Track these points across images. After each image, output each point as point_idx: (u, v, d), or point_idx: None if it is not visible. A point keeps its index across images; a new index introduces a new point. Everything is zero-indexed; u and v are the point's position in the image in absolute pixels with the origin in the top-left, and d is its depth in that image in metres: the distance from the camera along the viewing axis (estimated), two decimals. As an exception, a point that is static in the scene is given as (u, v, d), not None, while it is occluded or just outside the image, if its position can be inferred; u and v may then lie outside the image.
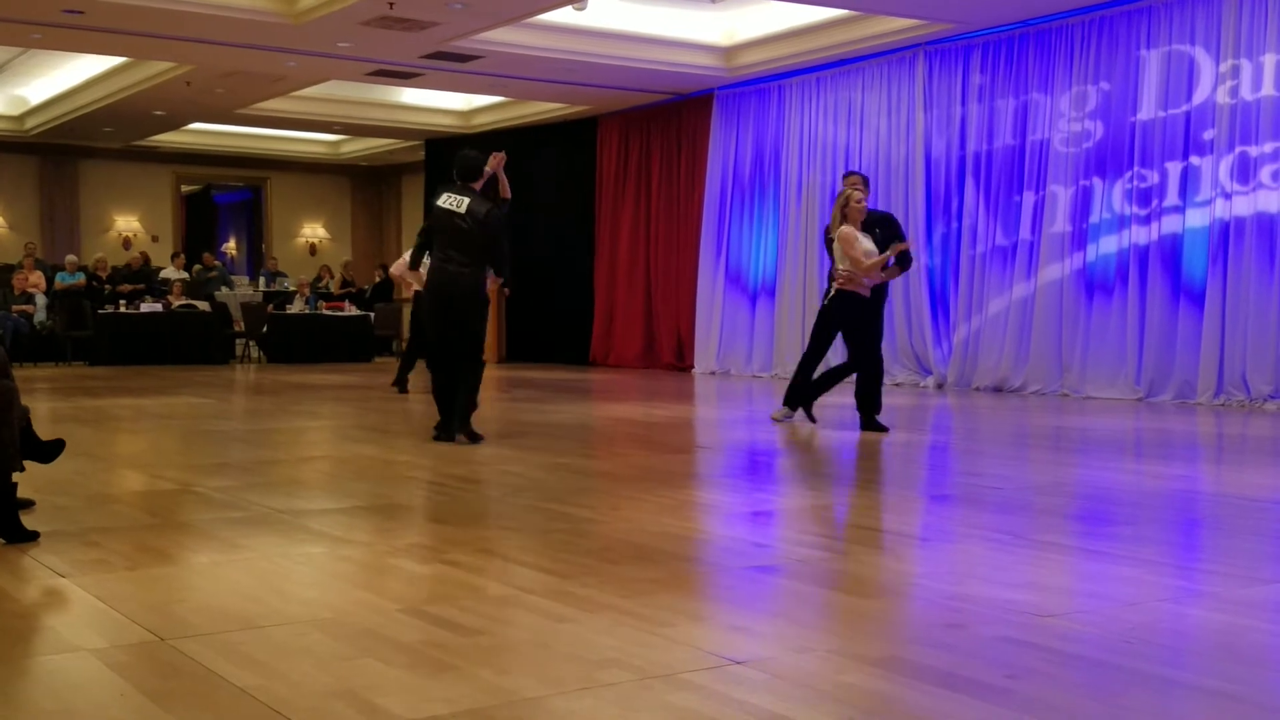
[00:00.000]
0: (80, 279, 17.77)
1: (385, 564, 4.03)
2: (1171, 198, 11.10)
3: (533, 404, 10.63)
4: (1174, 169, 11.09)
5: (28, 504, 4.79)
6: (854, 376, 8.40)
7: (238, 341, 18.34)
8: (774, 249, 15.13)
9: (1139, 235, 11.33)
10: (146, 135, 20.21)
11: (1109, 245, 11.59)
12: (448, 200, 7.33)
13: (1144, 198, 11.31)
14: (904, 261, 8.39)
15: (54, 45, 14.19)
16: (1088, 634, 3.13)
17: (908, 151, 13.36)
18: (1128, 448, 7.90)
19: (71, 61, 16.63)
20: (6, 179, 20.79)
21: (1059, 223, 11.96)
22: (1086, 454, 7.38)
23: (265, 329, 17.74)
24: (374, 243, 24.24)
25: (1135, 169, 11.37)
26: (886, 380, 10.11)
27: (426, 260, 7.82)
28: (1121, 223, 11.49)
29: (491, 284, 7.73)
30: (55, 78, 17.71)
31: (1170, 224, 11.12)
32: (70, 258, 18.37)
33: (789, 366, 14.72)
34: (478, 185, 7.40)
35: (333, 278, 20.88)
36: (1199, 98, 10.94)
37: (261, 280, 20.84)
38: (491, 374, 13.16)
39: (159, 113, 18.16)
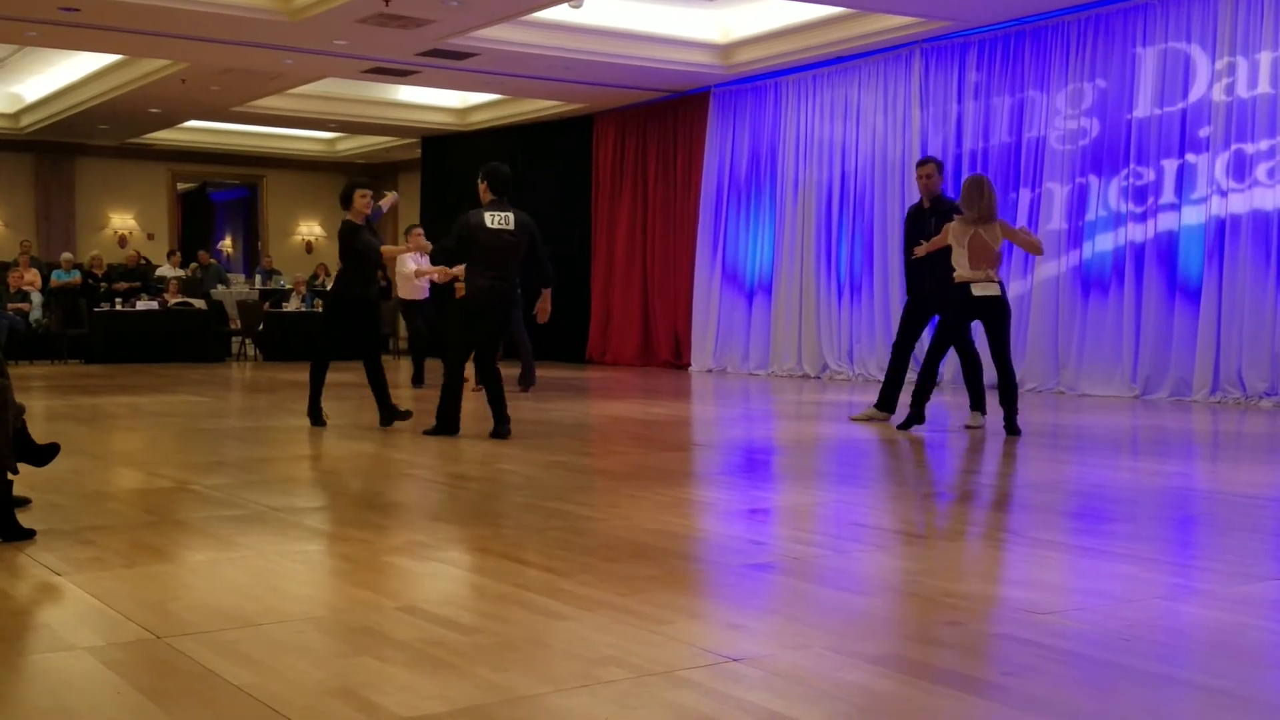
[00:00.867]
0: (76, 277, 17.75)
1: (382, 562, 4.03)
2: (1167, 195, 11.11)
3: (530, 402, 10.63)
4: (1170, 166, 11.10)
5: (24, 502, 4.78)
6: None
7: (234, 339, 18.32)
8: (770, 247, 15.13)
9: (1135, 233, 11.33)
10: (142, 133, 20.19)
11: (1105, 243, 11.60)
12: (494, 219, 7.60)
13: (1140, 195, 11.32)
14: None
15: (50, 43, 14.16)
16: (1084, 631, 3.13)
17: (904, 149, 13.36)
18: (1124, 445, 7.91)
19: (67, 59, 16.60)
20: (2, 177, 20.76)
21: (1055, 220, 11.97)
22: (1083, 451, 7.38)
23: (261, 327, 17.72)
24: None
25: (1131, 166, 11.38)
26: (882, 377, 10.12)
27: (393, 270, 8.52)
28: (1117, 220, 11.50)
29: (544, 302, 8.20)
30: (51, 75, 17.69)
31: (1166, 221, 11.13)
32: (66, 255, 18.35)
33: (785, 364, 14.77)
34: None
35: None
36: (1195, 95, 10.95)
37: (257, 278, 20.81)
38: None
39: (155, 110, 18.14)
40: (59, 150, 20.80)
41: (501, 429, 7.55)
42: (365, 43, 13.47)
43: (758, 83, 15.13)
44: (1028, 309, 12.16)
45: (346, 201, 8.77)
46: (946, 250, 8.10)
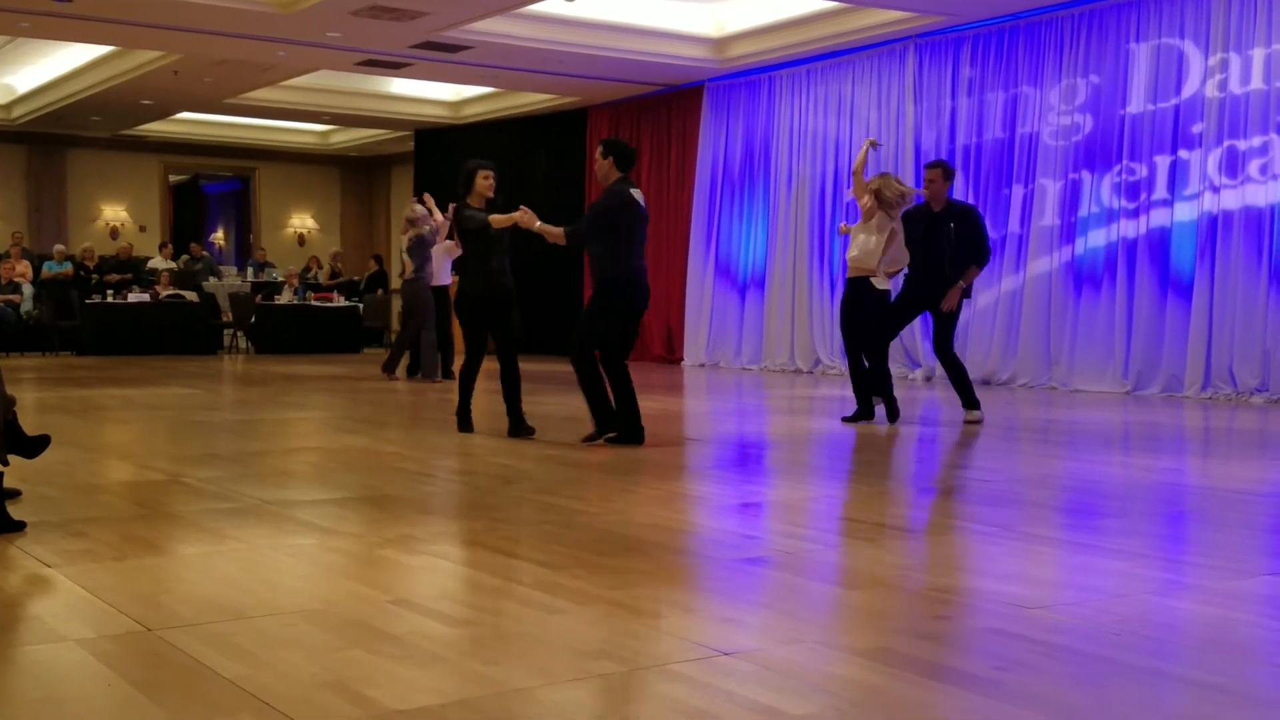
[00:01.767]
0: (67, 268, 17.71)
1: (374, 555, 4.03)
2: (1160, 191, 11.13)
3: (523, 396, 10.60)
4: (1162, 162, 11.12)
5: (14, 494, 4.77)
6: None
7: (225, 332, 18.29)
8: (763, 241, 15.13)
9: (1127, 229, 11.35)
10: (134, 125, 20.13)
11: (1097, 239, 11.62)
12: (637, 193, 7.07)
13: (1132, 191, 11.34)
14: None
15: (42, 34, 14.11)
16: (1075, 626, 3.14)
17: (898, 144, 13.37)
18: (1115, 441, 7.92)
19: (59, 50, 16.54)
20: (-7, 168, 20.71)
21: (1048, 216, 11.98)
22: (1074, 447, 7.40)
23: (253, 319, 17.70)
24: (363, 233, 24.19)
25: (1124, 162, 11.39)
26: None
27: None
28: (1110, 216, 11.52)
29: None
30: (43, 66, 17.63)
31: (1159, 217, 11.15)
32: (58, 247, 18.31)
33: (778, 359, 14.77)
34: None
35: (321, 268, 20.83)
36: (1188, 91, 10.97)
37: (250, 271, 20.78)
38: (483, 366, 13.16)
39: (147, 102, 18.09)
40: (51, 142, 20.73)
41: (636, 435, 6.99)
42: (358, 35, 13.44)
43: (751, 77, 15.12)
44: (1020, 304, 12.18)
45: (467, 183, 7.83)
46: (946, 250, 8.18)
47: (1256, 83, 10.47)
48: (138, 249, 20.12)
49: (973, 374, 12.41)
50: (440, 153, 19.86)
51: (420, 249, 12.01)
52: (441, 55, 14.41)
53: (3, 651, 2.95)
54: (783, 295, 14.72)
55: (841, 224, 9.19)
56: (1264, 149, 10.41)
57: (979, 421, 8.34)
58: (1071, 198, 11.83)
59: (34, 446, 4.72)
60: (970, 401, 8.44)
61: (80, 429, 7.64)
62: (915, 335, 13.10)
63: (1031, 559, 4.05)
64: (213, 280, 19.14)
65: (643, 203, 7.09)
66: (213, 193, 26.63)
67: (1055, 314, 11.88)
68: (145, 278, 18.31)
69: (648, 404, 10.11)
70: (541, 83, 16.12)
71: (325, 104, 18.64)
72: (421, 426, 8.27)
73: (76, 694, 2.60)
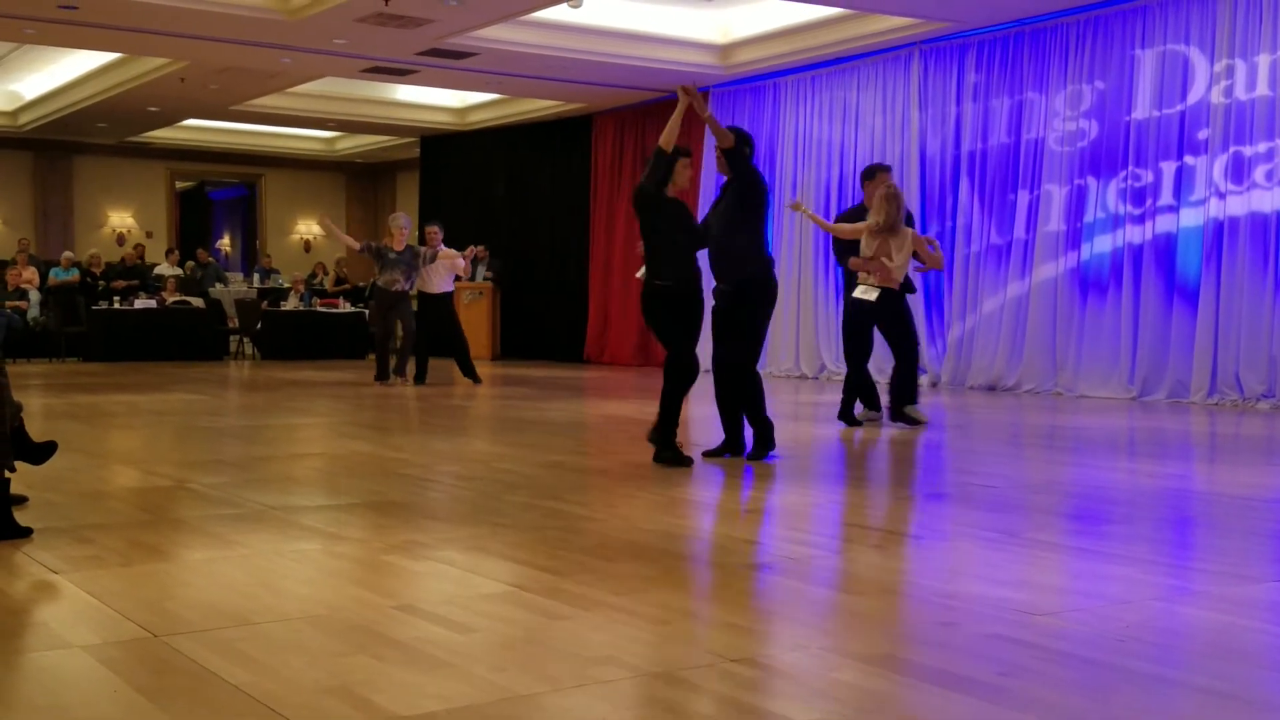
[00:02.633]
0: (74, 275, 17.74)
1: (379, 561, 4.03)
2: (1166, 197, 11.12)
3: (527, 401, 10.63)
4: (1168, 168, 11.11)
5: (21, 500, 4.78)
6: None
7: (232, 338, 18.32)
8: (768, 247, 15.10)
9: (1133, 234, 11.34)
10: (141, 131, 20.18)
11: (1103, 244, 11.61)
12: None
13: (1138, 197, 11.33)
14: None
15: (48, 41, 14.15)
16: (1080, 632, 3.13)
17: (902, 150, 13.37)
18: (1121, 447, 7.91)
19: (66, 57, 16.59)
20: (0, 175, 20.74)
21: (1053, 222, 11.97)
22: (1080, 453, 7.39)
23: (259, 325, 17.72)
24: (369, 239, 24.19)
25: (1130, 168, 11.38)
26: (879, 378, 10.15)
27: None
28: (1116, 222, 11.51)
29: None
30: (50, 73, 17.68)
31: (1164, 223, 11.14)
32: (65, 254, 18.34)
33: (782, 364, 14.77)
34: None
35: (327, 274, 20.85)
36: (1193, 97, 10.96)
37: (256, 277, 20.81)
38: (486, 371, 13.17)
39: (153, 109, 18.14)
40: (57, 148, 20.79)
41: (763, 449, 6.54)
42: (364, 42, 13.47)
43: (757, 83, 15.13)
44: (1025, 310, 12.17)
45: (664, 172, 6.73)
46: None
47: (1262, 89, 10.47)
48: (144, 254, 20.15)
49: (978, 379, 12.49)
50: (446, 159, 19.88)
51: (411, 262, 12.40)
52: (447, 62, 14.43)
53: (9, 658, 2.95)
54: (787, 301, 14.68)
55: (793, 201, 9.54)
56: (1270, 155, 10.40)
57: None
58: (1077, 203, 11.82)
59: (41, 453, 4.73)
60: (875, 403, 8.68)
61: (86, 435, 7.66)
62: (921, 341, 13.07)
63: (1037, 565, 4.04)
64: (219, 286, 19.17)
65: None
66: (219, 199, 26.70)
67: (1061, 320, 11.87)
68: (152, 284, 18.35)
69: (652, 410, 10.09)
70: (547, 89, 16.15)
71: (331, 111, 18.68)
72: (426, 432, 8.28)
73: (82, 700, 2.61)
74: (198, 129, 20.82)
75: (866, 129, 13.84)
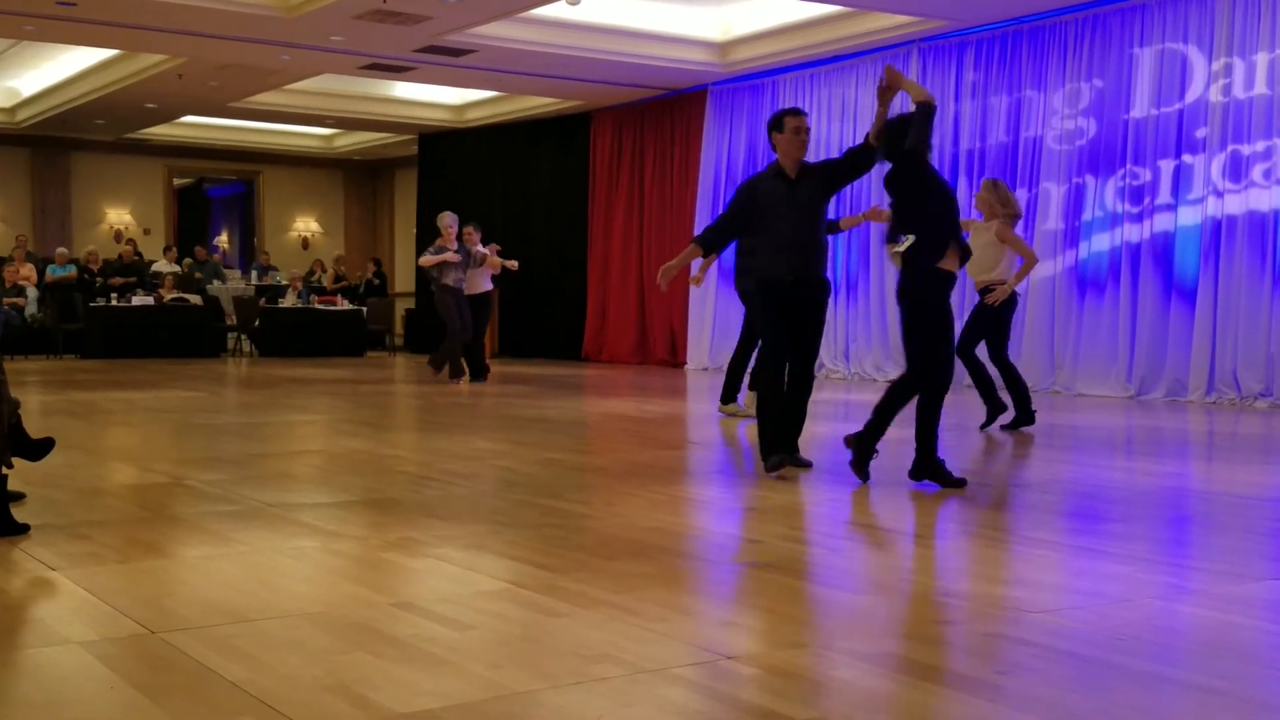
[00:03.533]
0: (71, 271, 17.73)
1: (377, 558, 4.03)
2: (1164, 196, 11.12)
3: (526, 399, 10.62)
4: (1166, 167, 11.11)
5: (18, 497, 4.78)
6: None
7: (229, 335, 18.31)
8: (767, 245, 15.11)
9: (1131, 233, 11.35)
10: (139, 128, 20.16)
11: (1101, 243, 11.61)
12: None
13: (1136, 195, 11.33)
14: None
15: (47, 37, 14.14)
16: (1079, 630, 3.14)
17: (901, 148, 13.35)
18: (1119, 445, 7.91)
19: (64, 54, 16.57)
20: (-2, 171, 20.74)
21: (1051, 220, 11.97)
22: (1078, 451, 7.39)
23: (257, 323, 17.71)
24: (367, 237, 24.20)
25: (1128, 167, 11.39)
26: (878, 376, 10.13)
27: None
28: (1114, 220, 11.51)
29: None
30: (47, 70, 17.66)
31: (1162, 222, 11.14)
32: (60, 250, 18.32)
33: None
34: (778, 154, 6.00)
35: (325, 271, 20.84)
36: (1191, 96, 10.96)
37: (254, 274, 20.80)
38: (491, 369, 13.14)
39: (151, 105, 18.11)
40: (55, 145, 20.77)
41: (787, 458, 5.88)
42: (362, 39, 13.45)
43: (755, 81, 15.13)
44: (1024, 308, 12.15)
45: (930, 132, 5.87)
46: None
47: (1260, 87, 10.47)
48: (140, 251, 20.13)
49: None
50: (444, 156, 19.87)
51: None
52: (445, 59, 14.42)
53: (6, 654, 2.95)
54: (786, 299, 14.71)
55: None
56: (1268, 154, 10.40)
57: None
58: (1075, 202, 11.82)
59: (38, 450, 4.73)
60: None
61: (84, 432, 7.65)
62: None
63: (1035, 563, 4.05)
64: (216, 284, 19.16)
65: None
66: (217, 196, 26.68)
67: (1059, 318, 11.87)
68: (149, 281, 18.33)
69: (650, 408, 10.11)
70: (545, 86, 16.13)
71: (329, 108, 18.66)
72: (424, 429, 8.28)
73: (79, 697, 2.60)
74: (196, 126, 20.79)
75: (865, 127, 13.79)
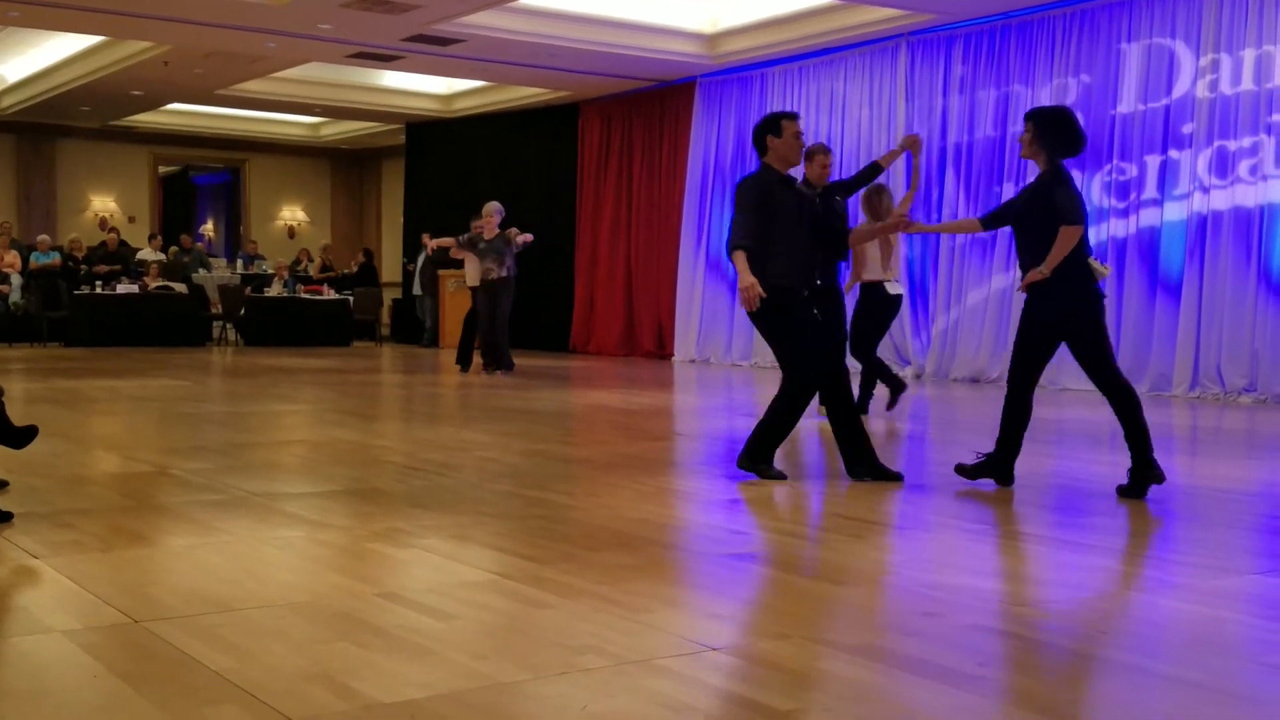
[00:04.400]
0: (56, 259, 17.64)
1: (362, 548, 4.03)
2: (1150, 191, 11.16)
3: (512, 390, 10.62)
4: (1153, 162, 11.15)
5: (1, 484, 4.76)
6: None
7: (215, 324, 18.25)
8: (754, 238, 15.11)
9: (1117, 228, 11.38)
10: (124, 115, 20.05)
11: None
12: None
13: (1122, 190, 11.37)
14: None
15: (32, 23, 14.05)
16: (1061, 623, 3.15)
17: (889, 142, 13.37)
18: (1103, 439, 7.94)
19: (49, 40, 16.47)
20: (-18, 158, 20.62)
21: (1038, 215, 11.99)
22: (1062, 445, 7.42)
23: (243, 312, 17.66)
24: (353, 226, 24.13)
25: (1114, 162, 11.42)
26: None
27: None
28: (1100, 215, 11.54)
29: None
30: (32, 56, 17.55)
31: (1148, 217, 11.18)
32: (43, 237, 18.22)
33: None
34: (771, 158, 5.95)
35: (311, 261, 20.78)
36: (1178, 91, 10.99)
37: (239, 263, 20.73)
38: (474, 360, 13.12)
39: (137, 93, 18.02)
40: (40, 132, 20.65)
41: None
42: (349, 27, 13.40)
43: (744, 73, 15.12)
44: (1009, 303, 12.20)
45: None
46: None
47: (1247, 83, 10.50)
48: (126, 240, 20.04)
49: (962, 371, 12.52)
50: (431, 146, 19.82)
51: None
52: (433, 48, 14.38)
53: (-12, 642, 2.94)
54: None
55: None
56: (1254, 149, 10.44)
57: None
58: (1062, 197, 11.83)
59: (21, 437, 4.71)
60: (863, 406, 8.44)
61: (68, 420, 7.62)
62: (905, 333, 13.12)
63: (1018, 556, 4.06)
64: (202, 272, 19.08)
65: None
66: (202, 184, 26.56)
67: (1044, 312, 11.89)
68: (134, 269, 18.25)
69: (637, 399, 10.11)
70: (533, 77, 16.10)
71: (316, 96, 18.58)
72: (410, 420, 8.27)
73: (63, 685, 2.60)
74: (181, 113, 20.69)
75: (853, 120, 13.85)
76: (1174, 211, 10.99)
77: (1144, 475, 5.17)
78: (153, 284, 17.18)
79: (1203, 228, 10.72)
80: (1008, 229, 5.87)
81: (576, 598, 3.33)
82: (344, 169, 24.15)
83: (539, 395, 10.09)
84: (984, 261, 12.51)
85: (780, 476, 5.52)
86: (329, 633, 2.97)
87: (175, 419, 7.94)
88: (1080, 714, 2.47)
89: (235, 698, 2.49)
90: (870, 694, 2.59)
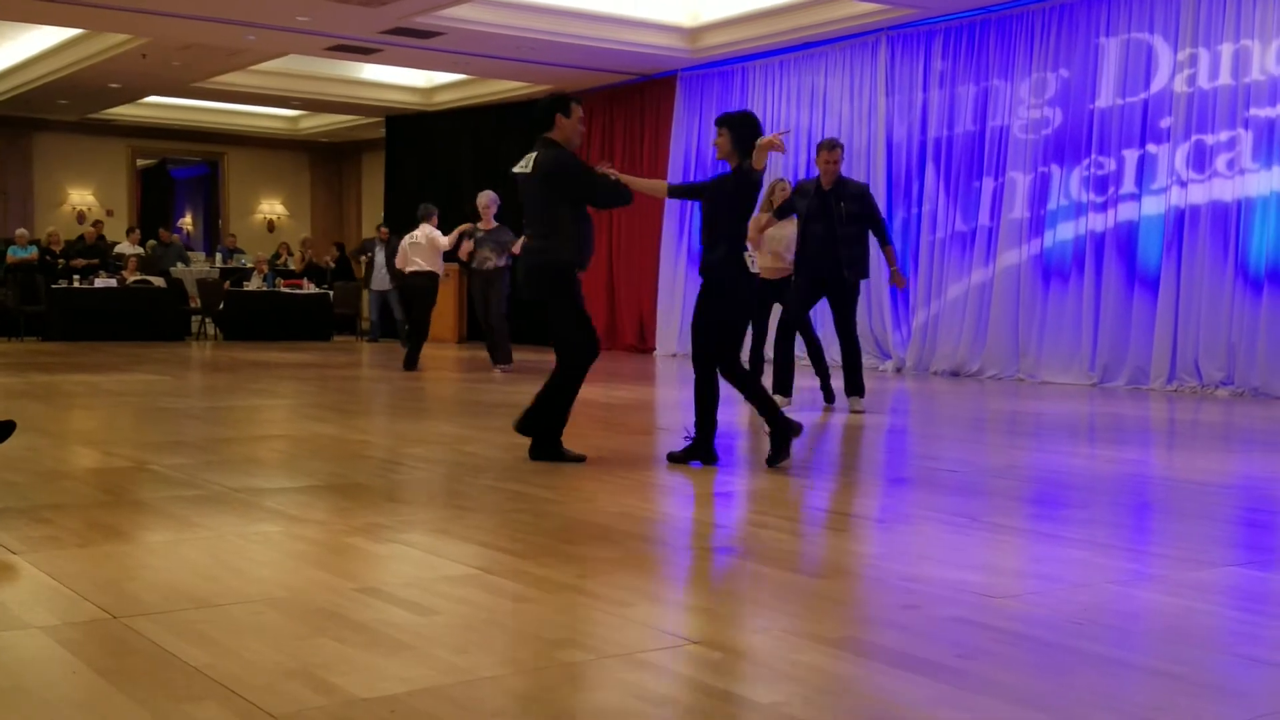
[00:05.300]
0: (33, 253, 17.52)
1: (342, 543, 4.02)
2: (1128, 185, 11.22)
3: (493, 384, 10.60)
4: (1131, 156, 11.20)
5: (-22, 480, 4.73)
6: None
7: (194, 318, 18.16)
8: (735, 231, 15.13)
9: (1096, 222, 11.44)
10: (102, 108, 19.92)
11: (1066, 232, 11.69)
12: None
13: (1101, 185, 11.42)
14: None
15: (8, 16, 13.94)
16: (1039, 615, 3.17)
17: (869, 136, 13.41)
18: (1081, 432, 7.98)
19: (26, 32, 16.35)
20: (-42, 151, 20.46)
21: (1017, 209, 12.05)
22: (1041, 438, 7.45)
23: (222, 306, 17.58)
24: (333, 220, 24.04)
25: (1093, 156, 11.47)
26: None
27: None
28: (1079, 209, 11.60)
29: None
30: (9, 49, 17.41)
31: (1126, 211, 11.24)
32: (20, 231, 18.09)
33: (747, 349, 14.80)
34: (557, 135, 5.93)
35: (291, 255, 20.68)
36: (1156, 86, 11.05)
37: (219, 256, 20.63)
38: (453, 354, 13.12)
39: (114, 85, 17.90)
40: (17, 125, 20.50)
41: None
42: (328, 20, 13.34)
43: (725, 67, 15.12)
44: (989, 297, 12.25)
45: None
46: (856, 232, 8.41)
47: (1224, 78, 10.56)
48: (104, 234, 19.91)
49: (942, 365, 12.56)
50: (411, 139, 19.75)
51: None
52: (413, 41, 14.33)
53: (-35, 639, 2.92)
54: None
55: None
56: (1231, 144, 10.50)
57: (863, 411, 8.37)
58: (1041, 191, 11.90)
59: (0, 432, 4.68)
60: (858, 388, 8.49)
61: (45, 415, 7.57)
62: (886, 327, 13.16)
63: (997, 549, 4.08)
64: (180, 266, 18.98)
65: (523, 168, 6.01)
66: (181, 177, 26.41)
67: (1024, 306, 11.96)
68: (112, 263, 18.14)
69: (618, 393, 10.11)
70: (514, 70, 16.06)
71: (295, 89, 18.50)
72: (391, 414, 8.25)
73: (40, 682, 2.58)
74: (160, 106, 20.56)
75: (834, 114, 13.87)
76: (1152, 206, 11.05)
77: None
78: (131, 278, 17.08)
79: (1180, 222, 10.78)
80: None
81: (557, 592, 3.33)
82: (323, 162, 24.05)
83: (520, 389, 10.07)
84: (964, 255, 12.55)
85: (579, 459, 5.81)
86: (308, 628, 2.97)
87: (154, 414, 7.90)
88: (1058, 705, 2.49)
89: (215, 693, 2.49)
90: (850, 686, 2.60)
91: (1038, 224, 11.90)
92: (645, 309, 16.47)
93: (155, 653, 2.75)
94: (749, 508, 4.94)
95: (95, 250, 18.63)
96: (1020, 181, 12.04)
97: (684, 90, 15.74)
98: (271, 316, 17.63)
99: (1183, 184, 10.77)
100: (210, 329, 18.16)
